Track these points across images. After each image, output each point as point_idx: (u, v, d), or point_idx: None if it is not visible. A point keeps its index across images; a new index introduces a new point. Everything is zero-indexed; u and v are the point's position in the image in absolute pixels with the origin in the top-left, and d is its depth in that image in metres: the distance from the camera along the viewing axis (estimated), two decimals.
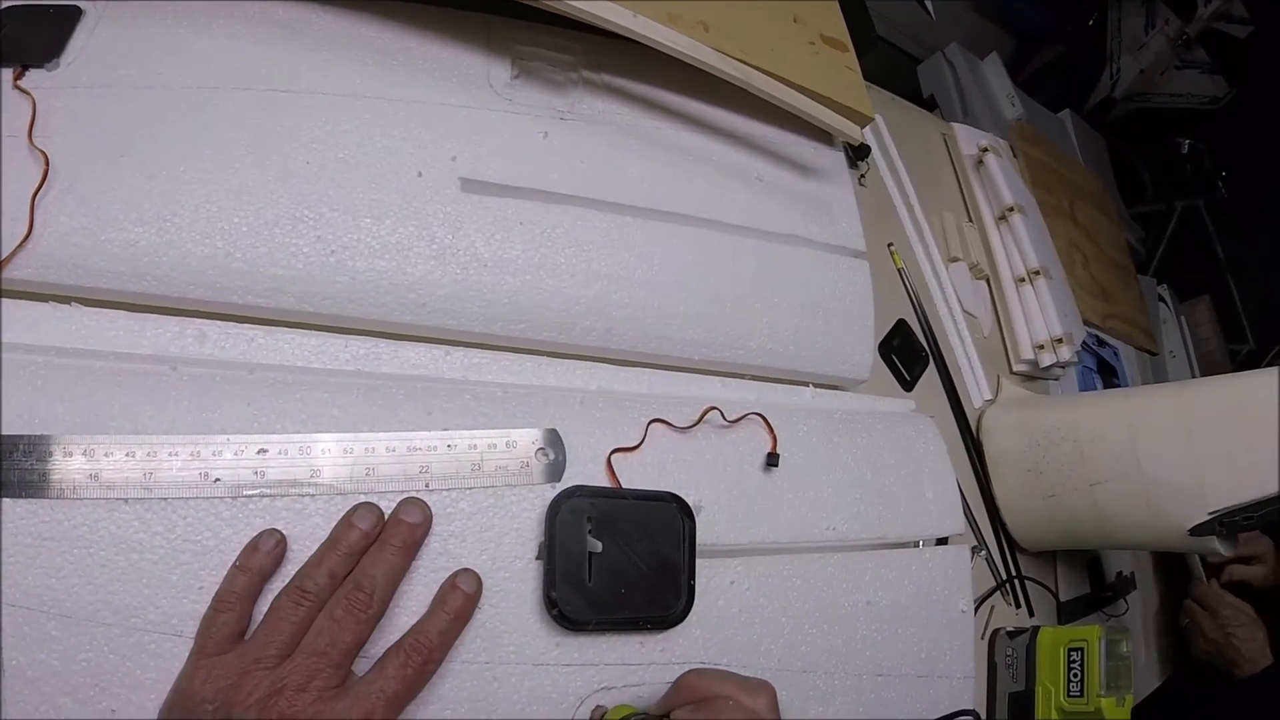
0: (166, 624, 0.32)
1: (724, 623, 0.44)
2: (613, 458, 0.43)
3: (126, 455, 0.33)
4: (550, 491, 0.41)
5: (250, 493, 0.35)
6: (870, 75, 0.65)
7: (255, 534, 0.34)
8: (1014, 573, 0.76)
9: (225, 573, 0.34)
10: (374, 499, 0.37)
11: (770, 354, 0.53)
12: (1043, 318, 0.89)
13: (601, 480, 0.43)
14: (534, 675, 0.39)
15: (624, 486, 0.43)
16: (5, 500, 0.31)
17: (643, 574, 0.41)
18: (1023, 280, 0.91)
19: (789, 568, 0.47)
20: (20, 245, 0.35)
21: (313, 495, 0.36)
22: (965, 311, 0.88)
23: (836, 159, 0.62)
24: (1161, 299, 1.49)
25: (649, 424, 0.45)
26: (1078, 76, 1.87)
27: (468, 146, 0.46)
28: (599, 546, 0.40)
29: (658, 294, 0.49)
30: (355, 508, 0.36)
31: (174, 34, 0.43)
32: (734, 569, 0.45)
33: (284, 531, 0.35)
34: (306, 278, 0.40)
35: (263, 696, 0.30)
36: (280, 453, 0.36)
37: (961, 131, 1.04)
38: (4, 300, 0.36)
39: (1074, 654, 0.63)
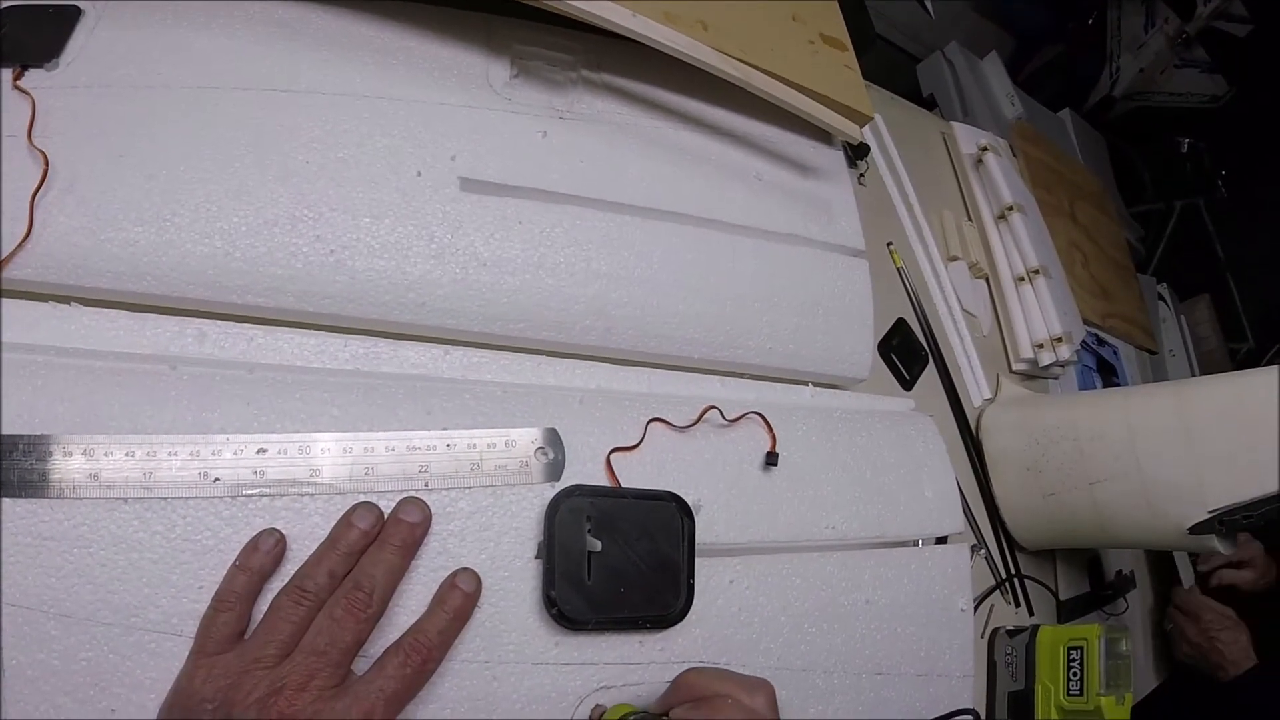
0: (166, 623, 0.33)
1: (723, 622, 0.44)
2: (612, 457, 0.43)
3: (126, 455, 0.33)
4: (549, 491, 0.41)
5: (250, 492, 0.35)
6: (870, 74, 0.65)
7: (255, 533, 0.34)
8: (1013, 571, 0.76)
9: (225, 572, 0.34)
10: (373, 498, 0.37)
11: (769, 353, 0.53)
12: (1042, 316, 0.89)
13: (601, 479, 0.43)
14: (533, 674, 0.39)
15: (623, 486, 0.43)
16: (5, 500, 0.31)
17: (642, 573, 0.41)
18: (1022, 279, 0.91)
19: (788, 567, 0.47)
20: (20, 245, 0.35)
21: (312, 495, 0.36)
22: (965, 310, 0.88)
23: (836, 158, 0.62)
24: (1161, 298, 1.49)
25: (648, 423, 0.45)
26: (1077, 75, 1.87)
27: (467, 146, 0.47)
28: (598, 546, 0.40)
29: (657, 293, 0.49)
30: (354, 507, 0.36)
31: (174, 34, 0.43)
32: (733, 568, 0.46)
33: (283, 531, 0.35)
34: (306, 277, 0.40)
35: (262, 696, 0.30)
36: (280, 452, 0.36)
37: (961, 131, 1.04)
38: (4, 300, 0.36)
39: (1074, 653, 0.63)
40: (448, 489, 0.39)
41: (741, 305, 0.52)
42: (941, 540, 0.56)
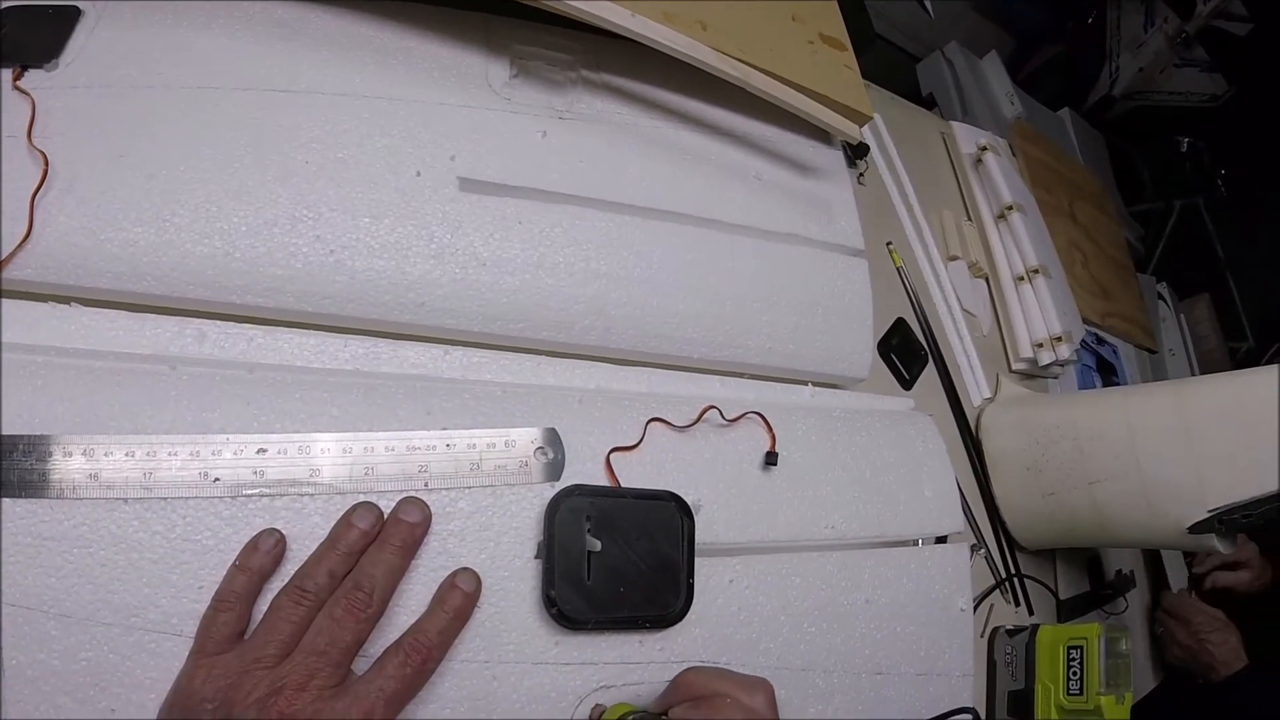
0: (166, 623, 0.33)
1: (723, 621, 0.44)
2: (611, 457, 0.43)
3: (126, 455, 0.33)
4: (549, 490, 0.41)
5: (250, 492, 0.35)
6: (869, 74, 0.65)
7: (255, 533, 0.34)
8: (1013, 571, 0.76)
9: (225, 572, 0.34)
10: (373, 498, 0.37)
11: (769, 353, 0.53)
12: (1042, 316, 0.89)
13: (600, 479, 0.43)
14: (533, 674, 0.39)
15: (623, 485, 0.43)
16: (5, 500, 0.31)
17: (642, 573, 0.41)
18: (1022, 278, 0.91)
19: (788, 566, 0.47)
20: (20, 245, 0.35)
21: (312, 495, 0.36)
22: (964, 310, 0.88)
23: (835, 158, 0.62)
24: (1161, 297, 1.49)
25: (648, 423, 0.45)
26: (1077, 75, 1.87)
27: (466, 146, 0.47)
28: (598, 545, 0.40)
29: (656, 293, 0.49)
30: (354, 507, 0.36)
31: (173, 34, 0.43)
32: (733, 568, 0.46)
33: (283, 531, 0.35)
34: (306, 277, 0.40)
35: (262, 696, 0.30)
36: (280, 452, 0.36)
37: (960, 130, 1.04)
38: (4, 300, 0.36)
39: (1073, 652, 0.63)
40: (447, 489, 0.39)
41: (741, 305, 0.52)
42: (941, 540, 0.56)
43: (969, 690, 0.53)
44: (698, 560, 0.43)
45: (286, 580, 0.34)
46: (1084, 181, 1.25)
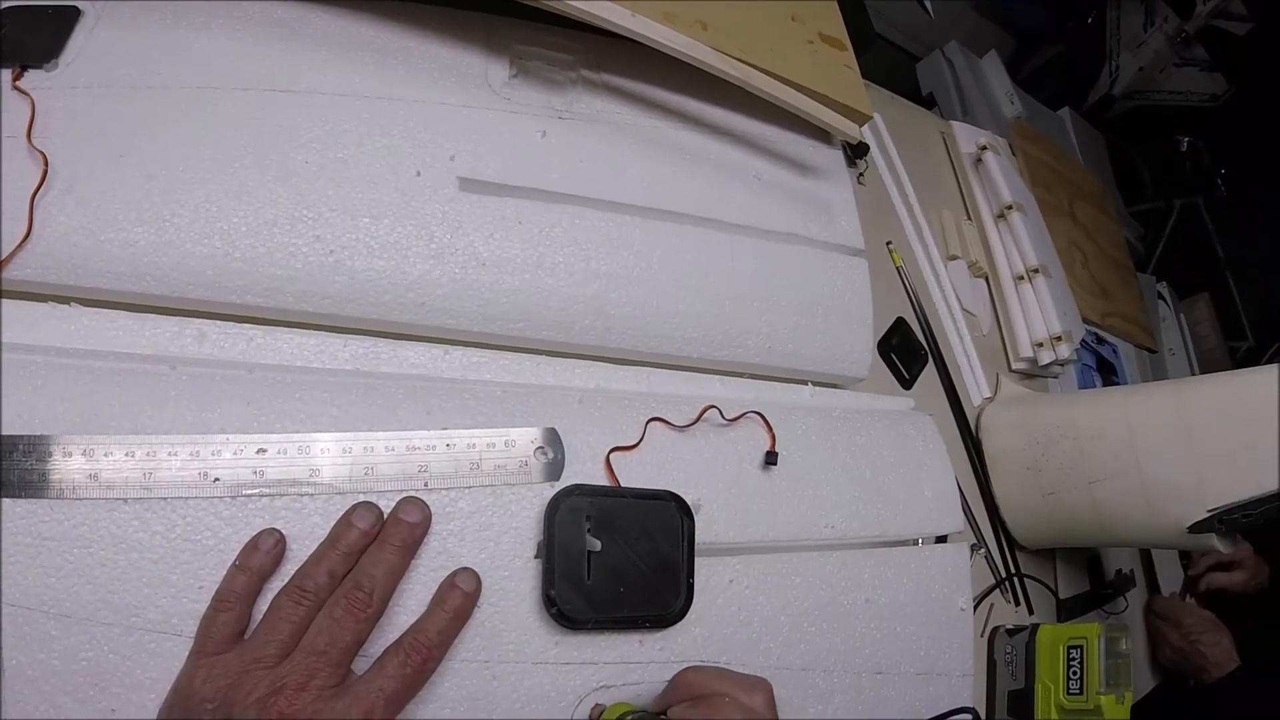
0: (166, 623, 0.33)
1: (723, 621, 0.44)
2: (611, 456, 0.43)
3: (126, 455, 0.33)
4: (549, 490, 0.41)
5: (250, 492, 0.35)
6: (869, 74, 0.65)
7: (255, 533, 0.34)
8: (1013, 570, 0.76)
9: (225, 572, 0.34)
10: (373, 498, 0.37)
11: (769, 352, 0.53)
12: (1042, 315, 0.89)
13: (600, 479, 0.43)
14: (533, 674, 0.39)
15: (623, 485, 0.43)
16: (5, 500, 0.31)
17: (641, 573, 0.41)
18: (1022, 278, 0.91)
19: (788, 566, 0.47)
20: (20, 245, 0.35)
21: (312, 495, 0.36)
22: (964, 309, 0.88)
23: (835, 157, 0.62)
24: (1161, 297, 1.49)
25: (648, 423, 0.45)
26: (1077, 74, 1.87)
27: (466, 146, 0.47)
28: (598, 545, 0.40)
29: (656, 293, 0.49)
30: (354, 507, 0.36)
31: (173, 34, 0.43)
32: (733, 567, 0.46)
33: (283, 531, 0.35)
34: (305, 277, 0.40)
35: (262, 696, 0.30)
36: (279, 452, 0.36)
37: (960, 130, 1.04)
38: (4, 300, 0.36)
39: (1073, 652, 0.63)
40: (447, 489, 0.39)
41: (741, 305, 0.52)
42: (941, 539, 0.56)
43: (969, 690, 0.53)
44: (698, 560, 0.43)
45: (286, 580, 0.34)
46: (1084, 181, 1.25)
